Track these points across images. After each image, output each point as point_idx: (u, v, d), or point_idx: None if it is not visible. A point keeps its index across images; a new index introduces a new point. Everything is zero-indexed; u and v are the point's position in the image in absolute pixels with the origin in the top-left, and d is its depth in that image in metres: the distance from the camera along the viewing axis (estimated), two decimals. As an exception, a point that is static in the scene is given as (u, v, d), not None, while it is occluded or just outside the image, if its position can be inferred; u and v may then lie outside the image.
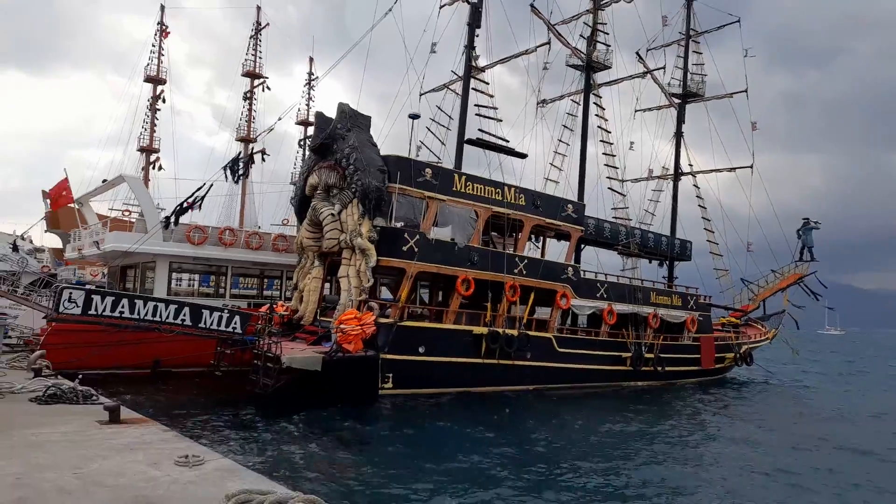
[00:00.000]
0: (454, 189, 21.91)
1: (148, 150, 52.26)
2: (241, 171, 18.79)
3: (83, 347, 17.26)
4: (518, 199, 23.48)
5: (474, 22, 25.52)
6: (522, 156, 25.87)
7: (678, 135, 34.81)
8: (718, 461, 14.97)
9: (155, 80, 51.89)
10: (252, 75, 51.38)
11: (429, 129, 26.30)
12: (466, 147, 25.24)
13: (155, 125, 53.14)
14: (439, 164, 22.34)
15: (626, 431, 17.75)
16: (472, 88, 25.15)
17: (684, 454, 15.63)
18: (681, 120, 34.80)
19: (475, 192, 22.35)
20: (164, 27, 53.20)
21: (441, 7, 27.70)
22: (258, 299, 27.53)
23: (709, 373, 30.27)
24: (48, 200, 46.41)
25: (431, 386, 20.63)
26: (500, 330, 21.82)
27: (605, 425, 18.31)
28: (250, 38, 52.88)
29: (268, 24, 53.54)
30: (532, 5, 27.61)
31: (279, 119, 21.14)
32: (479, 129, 24.73)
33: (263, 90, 52.88)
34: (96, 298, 16.68)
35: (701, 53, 35.11)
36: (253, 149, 47.92)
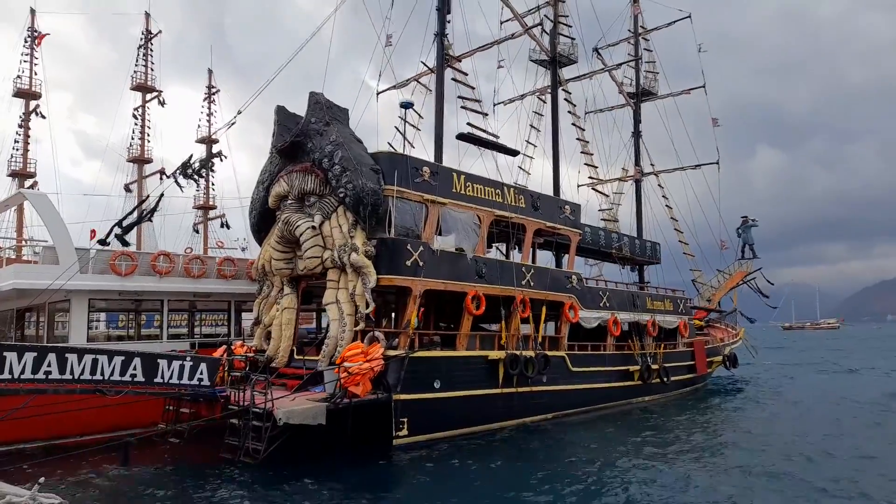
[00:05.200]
0: (454, 191, 18.57)
1: (22, 175, 44.54)
2: (196, 172, 14.43)
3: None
4: (518, 202, 20.52)
5: (444, 7, 22.51)
6: (515, 153, 23.02)
7: (636, 135, 33.48)
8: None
9: (28, 95, 44.47)
10: (144, 88, 45.23)
11: (397, 129, 22.79)
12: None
13: (29, 146, 45.58)
14: (436, 163, 18.93)
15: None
16: (452, 79, 22.04)
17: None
18: (637, 119, 33.53)
19: (476, 194, 19.13)
20: (36, 32, 45.90)
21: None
22: (193, 338, 22.52)
23: (701, 379, 28.68)
24: None
25: (449, 427, 17.06)
26: (518, 352, 18.63)
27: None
28: (138, 48, 46.60)
29: (160, 31, 47.63)
30: (500, -9, 24.99)
31: (238, 112, 16.72)
32: (468, 124, 21.57)
33: (161, 104, 46.88)
34: (10, 357, 11.77)
35: (651, 51, 34.16)
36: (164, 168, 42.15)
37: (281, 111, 18.49)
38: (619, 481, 13.19)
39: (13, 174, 44.17)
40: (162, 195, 14.35)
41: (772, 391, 28.79)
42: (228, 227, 49.28)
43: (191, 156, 15.39)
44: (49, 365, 12.20)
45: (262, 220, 19.05)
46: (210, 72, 53.90)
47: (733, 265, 38.84)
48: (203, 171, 15.02)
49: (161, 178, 44.57)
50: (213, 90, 53.05)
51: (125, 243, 13.71)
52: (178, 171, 14.92)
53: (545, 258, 25.64)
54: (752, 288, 38.93)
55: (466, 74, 22.37)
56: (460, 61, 22.56)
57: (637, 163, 33.53)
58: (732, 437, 18.16)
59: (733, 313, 38.59)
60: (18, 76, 44.02)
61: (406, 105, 18.91)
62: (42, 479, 6.58)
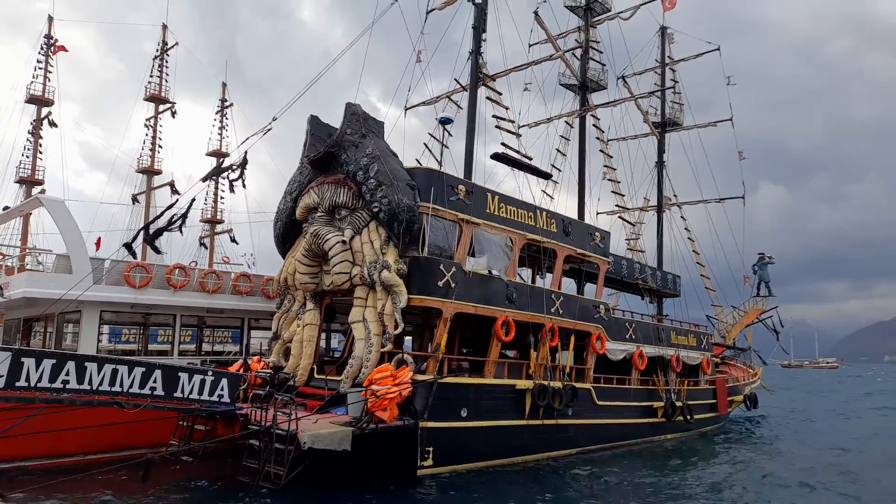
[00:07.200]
0: (488, 211, 18.00)
1: (30, 182, 43.70)
2: (238, 176, 13.79)
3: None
4: (550, 226, 19.95)
5: (480, 25, 22.23)
6: (548, 176, 22.55)
7: (660, 164, 33.14)
8: None
9: (41, 101, 43.91)
10: (157, 99, 44.59)
11: (426, 146, 22.35)
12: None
13: (39, 153, 44.87)
14: (471, 182, 18.38)
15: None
16: (487, 98, 21.64)
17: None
18: (662, 149, 33.22)
19: (509, 216, 18.56)
20: (53, 40, 45.58)
21: (429, 12, 24.22)
22: (201, 355, 21.71)
23: (721, 419, 27.84)
24: None
25: (474, 459, 16.23)
26: (547, 382, 17.88)
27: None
28: (153, 58, 46.00)
29: (176, 43, 47.17)
30: (536, 13, 24.72)
31: (274, 119, 16.17)
32: (503, 144, 21.11)
33: (174, 114, 46.22)
34: (28, 363, 11.03)
35: (678, 82, 34.01)
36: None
37: (314, 121, 17.97)
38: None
39: (21, 181, 43.33)
40: (193, 200, 13.75)
41: (792, 434, 27.84)
42: (236, 242, 48.40)
43: (222, 160, 14.81)
44: (67, 374, 11.50)
45: (288, 232, 18.40)
46: (224, 85, 53.20)
47: (749, 302, 38.36)
48: (242, 176, 14.34)
49: (172, 191, 44.17)
50: (227, 104, 52.48)
51: (157, 251, 13.01)
52: (211, 175, 14.31)
53: (566, 285, 24.99)
54: (767, 327, 38.39)
55: (501, 94, 21.99)
56: (494, 80, 22.19)
57: (660, 193, 33.11)
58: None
59: (748, 351, 37.99)
60: (32, 82, 43.61)
61: (445, 121, 18.42)
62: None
